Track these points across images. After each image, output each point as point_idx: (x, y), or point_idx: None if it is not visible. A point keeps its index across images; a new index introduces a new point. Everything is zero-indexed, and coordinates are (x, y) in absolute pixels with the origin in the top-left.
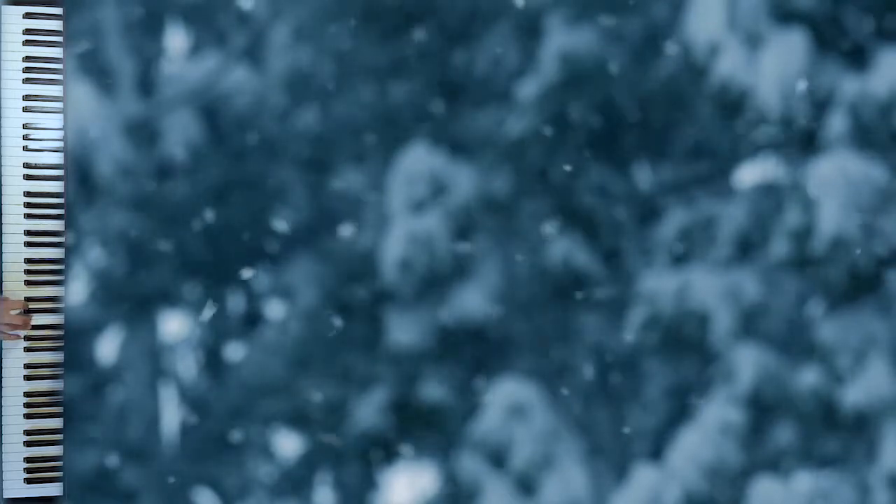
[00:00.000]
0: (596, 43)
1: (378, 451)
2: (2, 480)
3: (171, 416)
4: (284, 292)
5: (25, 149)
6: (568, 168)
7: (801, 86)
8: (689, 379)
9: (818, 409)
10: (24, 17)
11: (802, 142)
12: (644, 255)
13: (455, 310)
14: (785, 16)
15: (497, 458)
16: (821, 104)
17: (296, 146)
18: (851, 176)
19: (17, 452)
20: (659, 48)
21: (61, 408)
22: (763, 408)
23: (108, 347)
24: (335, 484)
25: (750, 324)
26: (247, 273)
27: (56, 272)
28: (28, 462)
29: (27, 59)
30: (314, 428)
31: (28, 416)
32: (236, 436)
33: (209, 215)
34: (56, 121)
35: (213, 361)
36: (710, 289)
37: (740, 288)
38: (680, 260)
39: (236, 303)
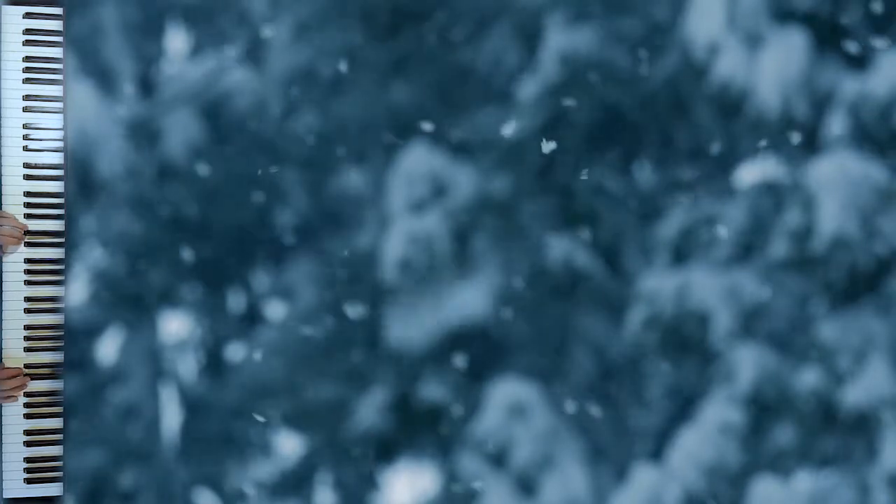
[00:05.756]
0: (596, 43)
1: (378, 451)
2: (2, 480)
3: (172, 416)
4: (284, 292)
5: (25, 149)
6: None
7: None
8: (689, 379)
9: (818, 409)
10: (24, 17)
11: (802, 142)
12: (644, 254)
13: (455, 310)
14: (785, 16)
15: (497, 458)
16: (821, 104)
17: (296, 146)
18: (851, 176)
19: (17, 452)
20: (659, 48)
21: (61, 408)
22: (763, 408)
23: (108, 347)
24: (335, 484)
25: (750, 324)
26: (248, 274)
27: (56, 272)
28: (28, 462)
29: (27, 59)
30: (314, 428)
31: (28, 416)
32: (236, 435)
33: (209, 216)
34: (56, 121)
35: (213, 361)
36: (710, 289)
37: (740, 288)
38: (680, 257)
39: (236, 303)
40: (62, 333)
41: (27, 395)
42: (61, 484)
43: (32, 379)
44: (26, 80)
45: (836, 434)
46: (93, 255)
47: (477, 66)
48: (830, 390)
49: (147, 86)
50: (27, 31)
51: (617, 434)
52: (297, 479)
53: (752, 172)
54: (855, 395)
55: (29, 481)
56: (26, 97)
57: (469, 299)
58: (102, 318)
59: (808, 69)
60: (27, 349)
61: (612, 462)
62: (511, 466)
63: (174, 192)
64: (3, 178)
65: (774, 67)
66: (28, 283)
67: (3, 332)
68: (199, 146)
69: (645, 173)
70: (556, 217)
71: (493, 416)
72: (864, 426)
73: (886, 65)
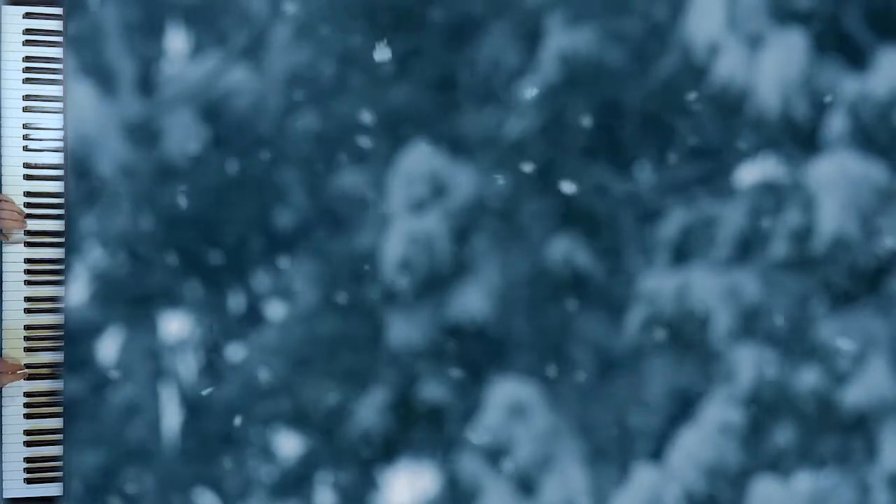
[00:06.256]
0: (596, 43)
1: (378, 451)
2: (2, 480)
3: (172, 416)
4: (284, 292)
5: (25, 149)
6: (566, 183)
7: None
8: (689, 379)
9: (818, 409)
10: (24, 17)
11: (802, 142)
12: (644, 254)
13: (455, 310)
14: (785, 16)
15: (497, 458)
16: (821, 104)
17: (296, 146)
18: (851, 176)
19: (17, 452)
20: (659, 48)
21: (61, 408)
22: (763, 408)
23: (108, 348)
24: (335, 484)
25: (750, 324)
26: (248, 274)
27: (56, 272)
28: (28, 462)
29: (27, 59)
30: (314, 428)
31: (28, 416)
32: (236, 436)
33: (209, 215)
34: (56, 121)
35: (213, 361)
36: (710, 289)
37: (740, 288)
38: (680, 257)
39: (236, 303)
40: (62, 333)
41: (27, 395)
42: (61, 484)
43: (32, 379)
44: (26, 80)
45: (836, 434)
46: (93, 255)
47: (477, 66)
48: (830, 390)
49: (147, 86)
50: (27, 31)
51: (617, 434)
52: (297, 479)
53: (752, 172)
54: (855, 395)
55: (29, 481)
56: (26, 97)
57: (469, 299)
58: (102, 318)
59: (808, 69)
60: (27, 349)
61: (612, 462)
62: (511, 466)
63: (174, 192)
64: (3, 178)
65: (774, 67)
66: (28, 283)
67: (3, 332)
68: (198, 146)
69: (645, 173)
70: (556, 217)
71: (493, 416)
72: (864, 426)
73: (886, 65)
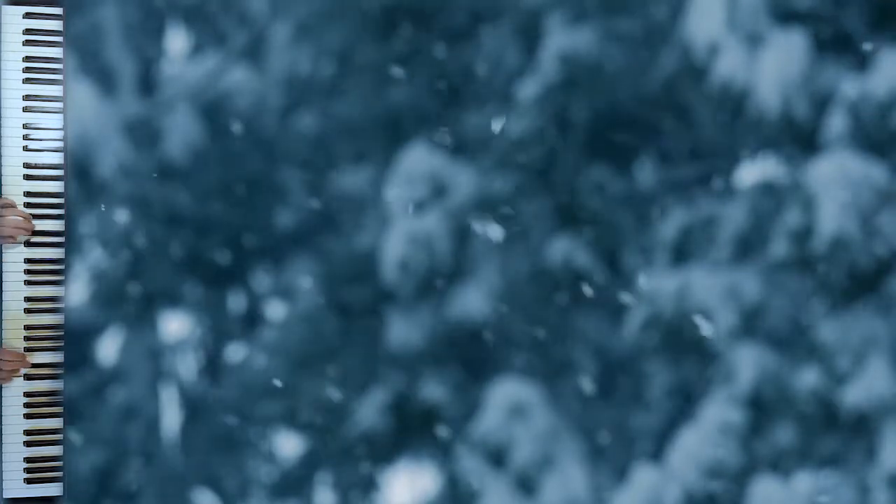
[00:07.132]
0: (596, 43)
1: (378, 451)
2: (2, 480)
3: (172, 416)
4: (284, 292)
5: (25, 149)
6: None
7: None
8: (689, 379)
9: (818, 409)
10: (24, 17)
11: (802, 142)
12: (644, 254)
13: (455, 310)
14: (785, 16)
15: (497, 458)
16: (821, 104)
17: (296, 146)
18: (851, 176)
19: (17, 452)
20: (659, 48)
21: (61, 408)
22: (763, 408)
23: (108, 348)
24: (335, 484)
25: (750, 324)
26: (248, 274)
27: (56, 272)
28: (28, 462)
29: (27, 59)
30: (314, 428)
31: (28, 416)
32: (236, 436)
33: (209, 215)
34: (56, 121)
35: (213, 362)
36: (710, 289)
37: (740, 288)
38: (680, 257)
39: (236, 303)
40: (62, 333)
41: (27, 395)
42: (61, 484)
43: (32, 379)
44: (26, 80)
45: (836, 434)
46: (93, 255)
47: (477, 66)
48: (830, 390)
49: (147, 86)
50: (27, 31)
51: (617, 434)
52: (297, 479)
53: (752, 172)
54: (855, 395)
55: (29, 481)
56: (26, 97)
57: (469, 299)
58: (102, 318)
59: (808, 69)
60: (27, 349)
61: (612, 462)
62: (511, 466)
63: (174, 192)
64: (3, 178)
65: (774, 67)
66: (28, 283)
67: (3, 332)
68: (199, 146)
69: (645, 173)
70: (556, 217)
71: (493, 416)
72: (864, 426)
73: (886, 65)
